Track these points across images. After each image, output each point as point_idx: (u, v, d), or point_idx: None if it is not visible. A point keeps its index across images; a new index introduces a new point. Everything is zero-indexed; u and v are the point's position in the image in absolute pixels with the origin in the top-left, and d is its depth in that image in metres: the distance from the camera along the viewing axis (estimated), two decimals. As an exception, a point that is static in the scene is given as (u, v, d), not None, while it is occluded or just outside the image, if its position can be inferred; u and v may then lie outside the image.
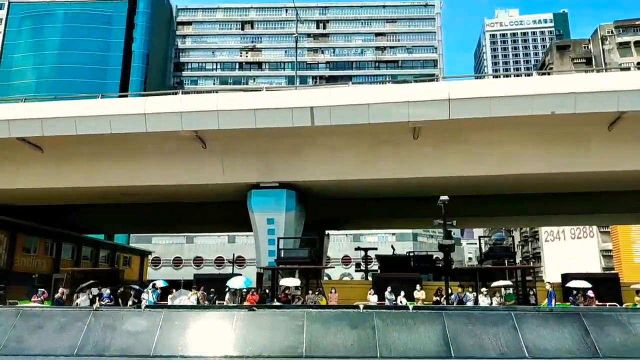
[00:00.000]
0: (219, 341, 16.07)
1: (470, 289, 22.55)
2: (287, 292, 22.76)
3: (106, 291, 22.20)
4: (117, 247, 51.08)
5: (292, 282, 23.02)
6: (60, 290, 22.49)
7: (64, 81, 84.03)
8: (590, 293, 21.52)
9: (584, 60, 71.89)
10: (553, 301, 21.17)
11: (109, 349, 15.89)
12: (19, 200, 32.18)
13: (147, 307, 18.72)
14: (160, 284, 23.73)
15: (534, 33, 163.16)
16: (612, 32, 71.54)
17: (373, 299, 21.77)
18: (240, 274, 25.24)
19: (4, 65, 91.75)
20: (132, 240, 75.54)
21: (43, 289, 22.77)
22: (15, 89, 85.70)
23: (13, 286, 31.00)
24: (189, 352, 15.74)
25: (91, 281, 24.44)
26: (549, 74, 44.62)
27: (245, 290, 23.13)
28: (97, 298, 21.65)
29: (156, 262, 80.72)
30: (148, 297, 21.90)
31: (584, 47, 74.39)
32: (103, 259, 45.48)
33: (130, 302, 21.82)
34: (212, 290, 22.99)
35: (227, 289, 22.37)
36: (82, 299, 21.62)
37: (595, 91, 22.27)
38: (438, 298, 22.09)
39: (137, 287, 26.61)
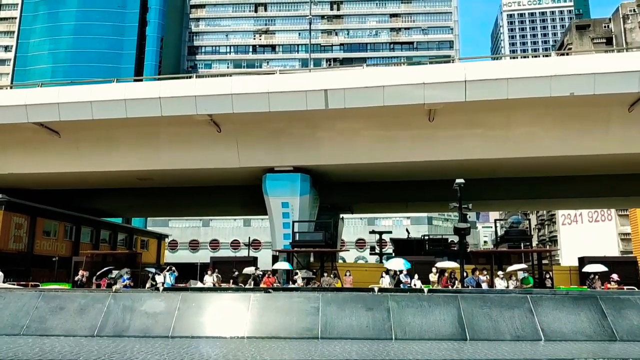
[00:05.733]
0: (235, 322, 16.31)
1: (484, 272, 22.47)
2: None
3: (127, 273, 22.38)
4: (135, 230, 51.64)
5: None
6: (80, 272, 22.95)
7: (80, 66, 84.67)
8: (615, 276, 21.24)
9: (604, 40, 70.10)
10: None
11: (128, 330, 16.24)
12: (38, 184, 32.69)
13: (164, 289, 19.04)
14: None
15: (552, 13, 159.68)
16: (634, 10, 69.51)
17: (385, 282, 21.82)
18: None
19: (20, 51, 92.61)
20: (149, 223, 76.52)
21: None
22: (32, 74, 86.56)
23: (34, 269, 31.81)
24: (207, 333, 16.02)
25: (108, 267, 24.72)
26: (567, 54, 43.65)
27: (261, 272, 23.36)
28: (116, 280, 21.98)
29: (173, 245, 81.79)
30: (165, 279, 22.20)
31: (605, 27, 72.44)
32: (121, 242, 46.10)
33: (148, 285, 22.15)
34: (234, 270, 24.15)
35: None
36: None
37: (615, 71, 21.75)
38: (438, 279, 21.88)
39: (154, 270, 26.97)
